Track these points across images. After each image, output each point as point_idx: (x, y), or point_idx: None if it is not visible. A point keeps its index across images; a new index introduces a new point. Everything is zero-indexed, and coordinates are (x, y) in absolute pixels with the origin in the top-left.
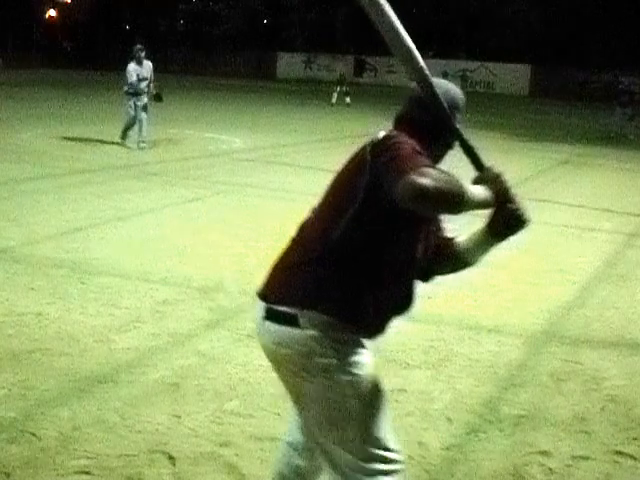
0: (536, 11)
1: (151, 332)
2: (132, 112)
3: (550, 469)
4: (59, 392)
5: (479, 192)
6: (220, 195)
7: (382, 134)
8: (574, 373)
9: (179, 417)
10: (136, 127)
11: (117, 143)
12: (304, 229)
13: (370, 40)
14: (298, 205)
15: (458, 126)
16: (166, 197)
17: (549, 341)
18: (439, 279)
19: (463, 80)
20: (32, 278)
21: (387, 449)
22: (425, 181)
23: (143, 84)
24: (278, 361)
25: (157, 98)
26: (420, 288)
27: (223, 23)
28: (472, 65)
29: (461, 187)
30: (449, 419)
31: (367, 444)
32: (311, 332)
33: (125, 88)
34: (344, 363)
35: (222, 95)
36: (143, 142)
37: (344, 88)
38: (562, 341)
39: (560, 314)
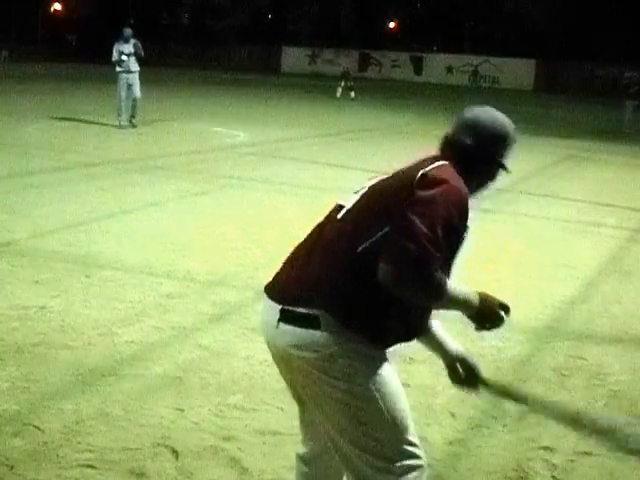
0: (541, 5)
1: (155, 326)
2: (121, 92)
3: (553, 464)
4: (63, 385)
5: (463, 295)
6: (224, 189)
7: (433, 167)
8: (578, 368)
9: (182, 411)
10: (129, 104)
11: (121, 135)
12: (328, 234)
13: (374, 35)
14: (302, 199)
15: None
16: (170, 191)
17: (553, 336)
18: None
19: (473, 75)
20: (36, 271)
21: (412, 444)
22: (419, 267)
23: (131, 59)
24: (294, 365)
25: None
26: None
27: (227, 17)
28: (477, 60)
29: (442, 295)
30: (452, 414)
31: (396, 442)
32: (333, 334)
33: (117, 69)
34: (366, 364)
35: (226, 89)
36: (133, 117)
37: (348, 83)
38: (566, 336)
39: (564, 309)
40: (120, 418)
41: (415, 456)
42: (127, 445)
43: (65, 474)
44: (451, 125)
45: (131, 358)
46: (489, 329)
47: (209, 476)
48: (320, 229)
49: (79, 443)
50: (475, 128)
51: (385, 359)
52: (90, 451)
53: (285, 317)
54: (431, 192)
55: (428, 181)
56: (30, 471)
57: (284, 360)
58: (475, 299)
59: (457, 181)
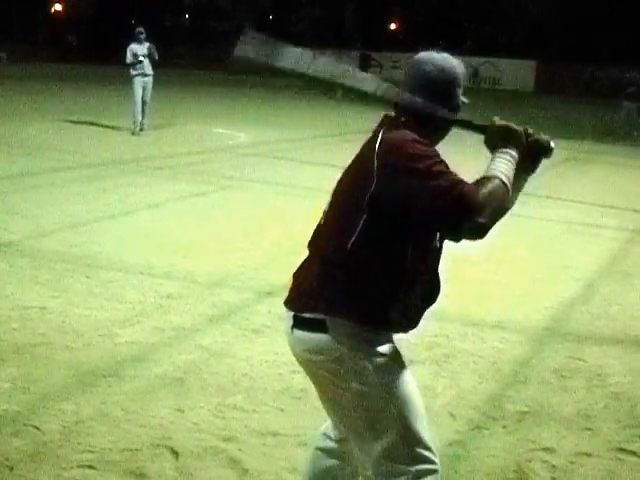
0: (541, 6)
1: (155, 326)
2: (137, 97)
3: (553, 466)
4: (63, 386)
5: (507, 164)
6: (225, 190)
7: (385, 136)
8: (578, 370)
9: (182, 411)
10: (140, 109)
11: (122, 136)
12: (318, 235)
13: (376, 36)
14: (303, 200)
15: (461, 100)
16: (171, 192)
17: (553, 338)
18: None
19: (474, 76)
20: (37, 272)
21: (428, 448)
22: (474, 192)
23: (146, 62)
24: (312, 369)
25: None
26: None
27: (229, 18)
28: (477, 61)
29: (497, 177)
30: (452, 415)
31: (409, 446)
32: (340, 337)
33: (132, 72)
34: (376, 365)
35: (227, 90)
36: (143, 124)
37: None
38: (566, 338)
39: (564, 311)
40: (120, 419)
41: (429, 460)
42: (127, 446)
43: (65, 475)
44: (401, 83)
45: (131, 359)
46: (545, 154)
47: (209, 477)
48: (314, 236)
49: (79, 444)
50: (426, 86)
51: (397, 357)
52: (90, 452)
53: (296, 323)
54: (395, 157)
55: (387, 152)
56: (30, 472)
57: (303, 365)
58: (510, 150)
59: (402, 135)
